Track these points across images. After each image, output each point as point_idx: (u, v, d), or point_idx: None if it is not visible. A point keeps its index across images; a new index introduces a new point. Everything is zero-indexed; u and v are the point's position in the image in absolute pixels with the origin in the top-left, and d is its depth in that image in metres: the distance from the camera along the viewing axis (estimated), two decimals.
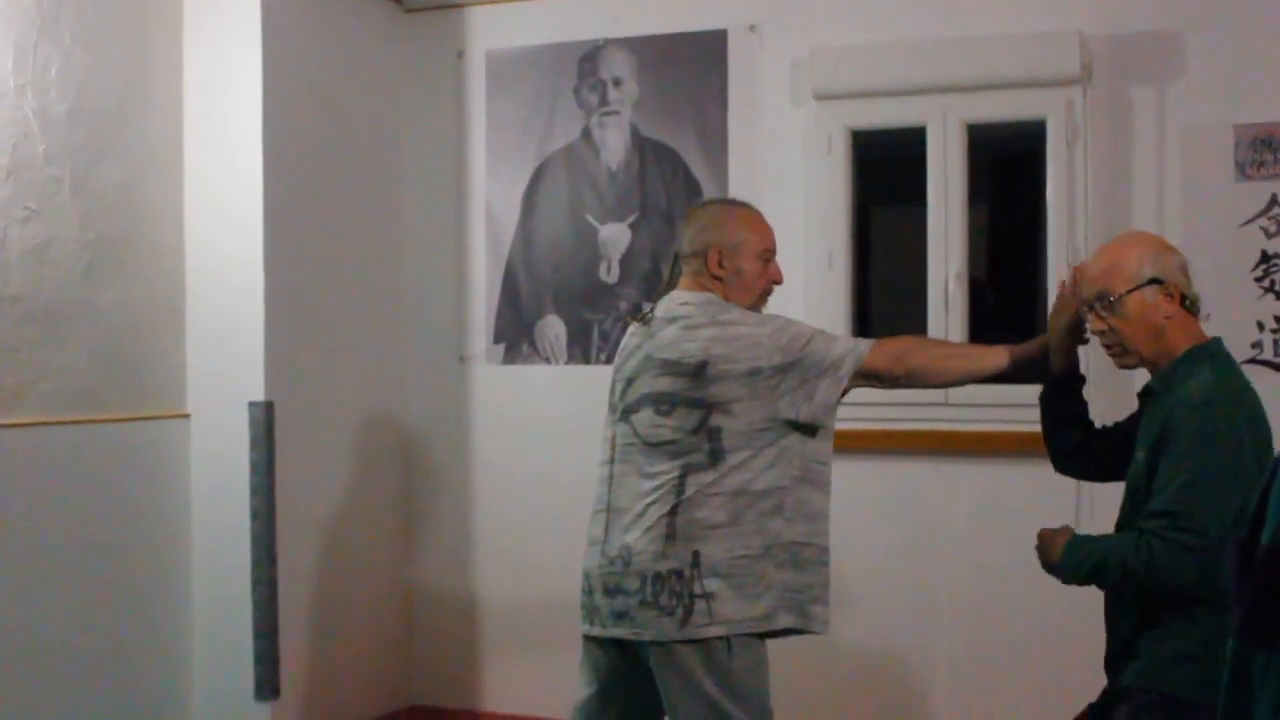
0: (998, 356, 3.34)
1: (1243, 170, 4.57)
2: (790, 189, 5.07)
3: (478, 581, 5.57)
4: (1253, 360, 4.52)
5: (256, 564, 4.78)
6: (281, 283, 4.88)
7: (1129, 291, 2.87)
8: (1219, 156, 4.59)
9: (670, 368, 3.20)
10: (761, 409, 3.16)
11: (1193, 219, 4.62)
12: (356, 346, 5.33)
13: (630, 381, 3.30)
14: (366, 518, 5.40)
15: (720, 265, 3.31)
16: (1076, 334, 3.19)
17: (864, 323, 5.15)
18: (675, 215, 5.22)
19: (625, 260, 5.29)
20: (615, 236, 5.31)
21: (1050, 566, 2.94)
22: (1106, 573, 2.82)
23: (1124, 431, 3.14)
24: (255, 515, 4.77)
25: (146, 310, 4.74)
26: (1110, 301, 2.89)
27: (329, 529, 5.18)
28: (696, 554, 3.14)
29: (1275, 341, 4.52)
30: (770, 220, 5.04)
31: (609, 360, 5.23)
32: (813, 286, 5.00)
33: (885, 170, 5.26)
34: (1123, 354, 2.94)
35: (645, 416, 3.23)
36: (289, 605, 4.87)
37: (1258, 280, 4.54)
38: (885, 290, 5.38)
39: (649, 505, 3.20)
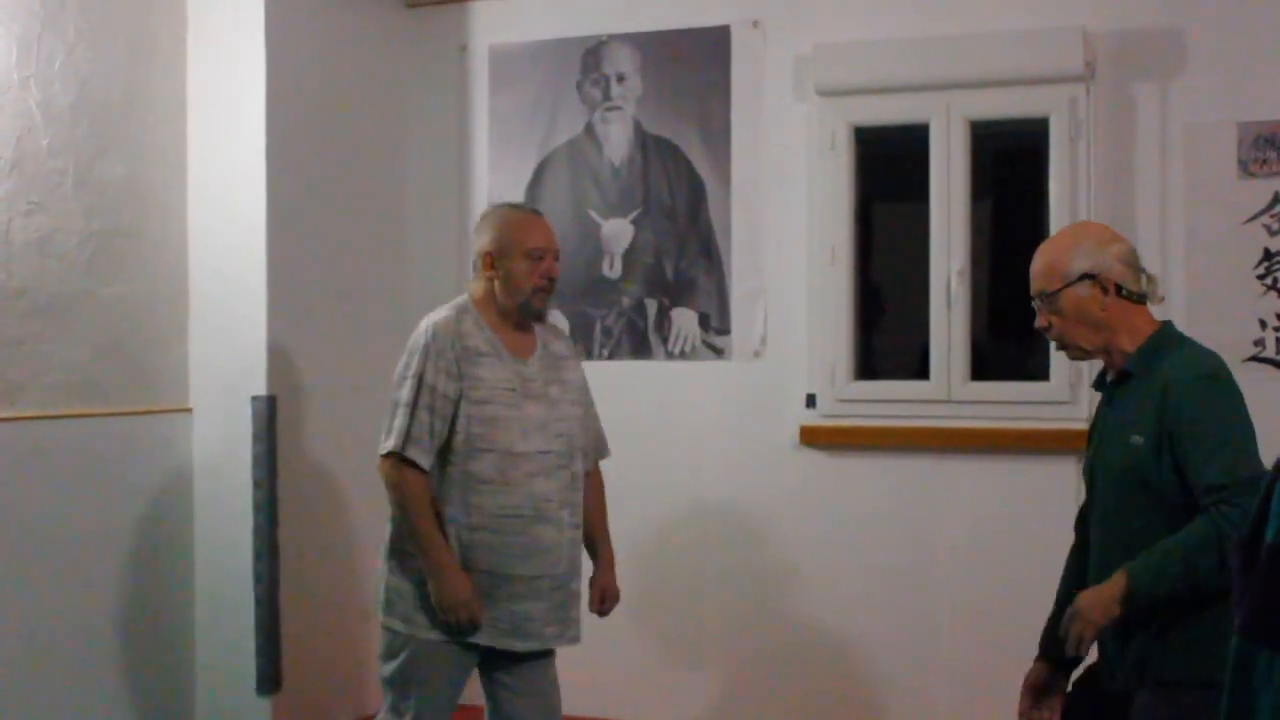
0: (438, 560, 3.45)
1: (1245, 168, 4.57)
2: (793, 185, 5.07)
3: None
4: (1254, 358, 4.53)
5: (258, 558, 4.78)
6: (284, 277, 4.88)
7: (1062, 289, 2.94)
8: (1222, 154, 4.58)
9: None
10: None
11: (1195, 216, 4.62)
12: (359, 341, 5.33)
13: None
14: (368, 512, 5.39)
15: (492, 267, 3.54)
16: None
17: (867, 318, 5.15)
18: (678, 211, 5.22)
19: (628, 256, 5.29)
20: (618, 232, 5.31)
21: (1110, 613, 2.83)
22: (1201, 567, 2.73)
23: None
24: (257, 509, 4.78)
25: (149, 304, 4.74)
26: (1048, 298, 2.96)
27: (330, 523, 5.18)
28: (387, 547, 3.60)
29: (1277, 339, 4.52)
30: (772, 216, 5.11)
31: (611, 356, 5.25)
32: (815, 282, 5.00)
33: (888, 166, 5.26)
34: (1066, 347, 3.02)
35: None
36: (291, 599, 4.87)
37: (1260, 278, 4.54)
38: (888, 286, 5.38)
39: None
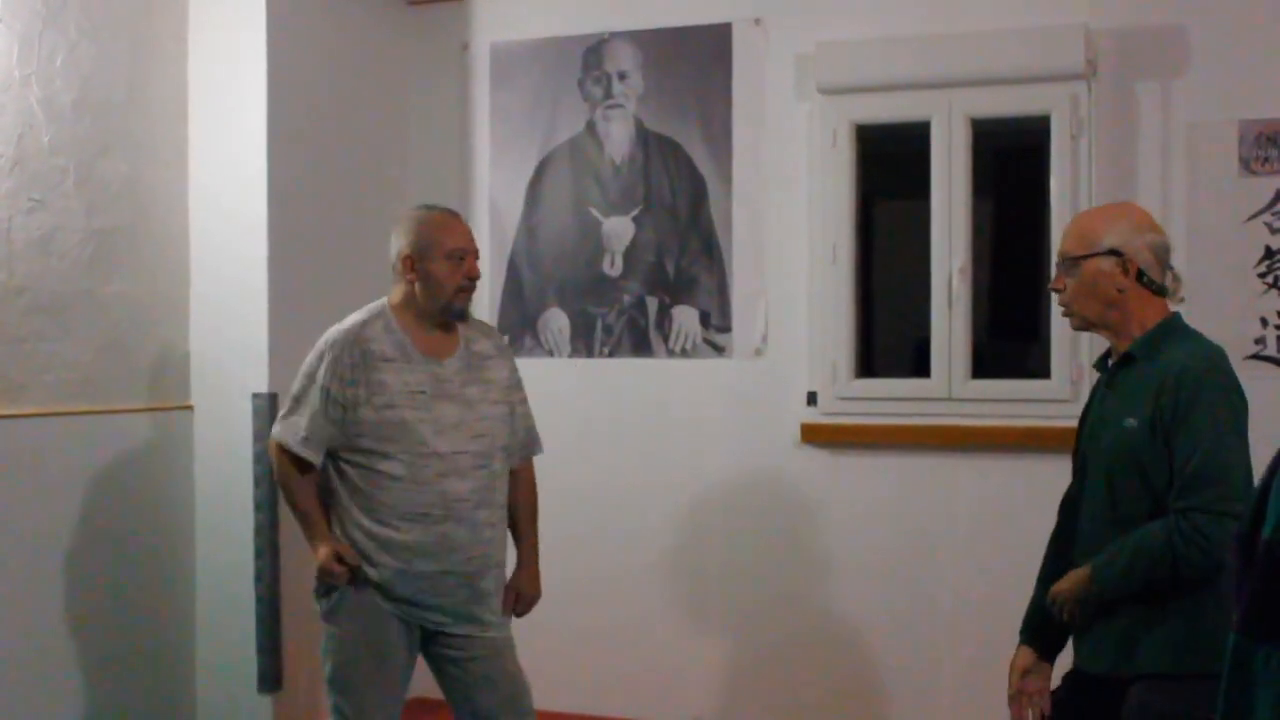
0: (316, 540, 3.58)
1: (1247, 166, 4.57)
2: (794, 183, 5.07)
3: None
4: (1255, 356, 4.52)
5: (259, 556, 4.78)
6: (285, 274, 4.88)
7: (1085, 257, 2.94)
8: (1223, 152, 4.58)
9: None
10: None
11: (1197, 214, 4.62)
12: None
13: None
14: None
15: (411, 269, 3.54)
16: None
17: (868, 316, 5.15)
18: (679, 209, 5.22)
19: (629, 254, 5.29)
20: (619, 230, 5.31)
21: (1084, 598, 2.91)
22: (1156, 574, 2.80)
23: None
24: (258, 507, 4.78)
25: (150, 302, 4.74)
26: (1069, 263, 2.97)
27: None
28: None
29: (1278, 337, 4.52)
30: (774, 214, 5.10)
31: (612, 354, 5.25)
32: (816, 280, 5.00)
33: (889, 164, 5.26)
34: (1070, 314, 3.02)
35: None
36: (292, 597, 4.87)
37: (1261, 276, 4.54)
38: (889, 284, 5.38)
39: None
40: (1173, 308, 3.03)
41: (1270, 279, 4.53)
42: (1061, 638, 3.15)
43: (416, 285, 3.55)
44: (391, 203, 5.54)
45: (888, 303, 5.37)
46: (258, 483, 4.77)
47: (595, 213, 5.35)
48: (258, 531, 4.78)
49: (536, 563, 3.80)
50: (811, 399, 5.00)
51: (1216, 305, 4.58)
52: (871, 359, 5.20)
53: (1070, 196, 4.67)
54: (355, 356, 3.51)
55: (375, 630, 3.55)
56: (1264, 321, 4.53)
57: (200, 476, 4.87)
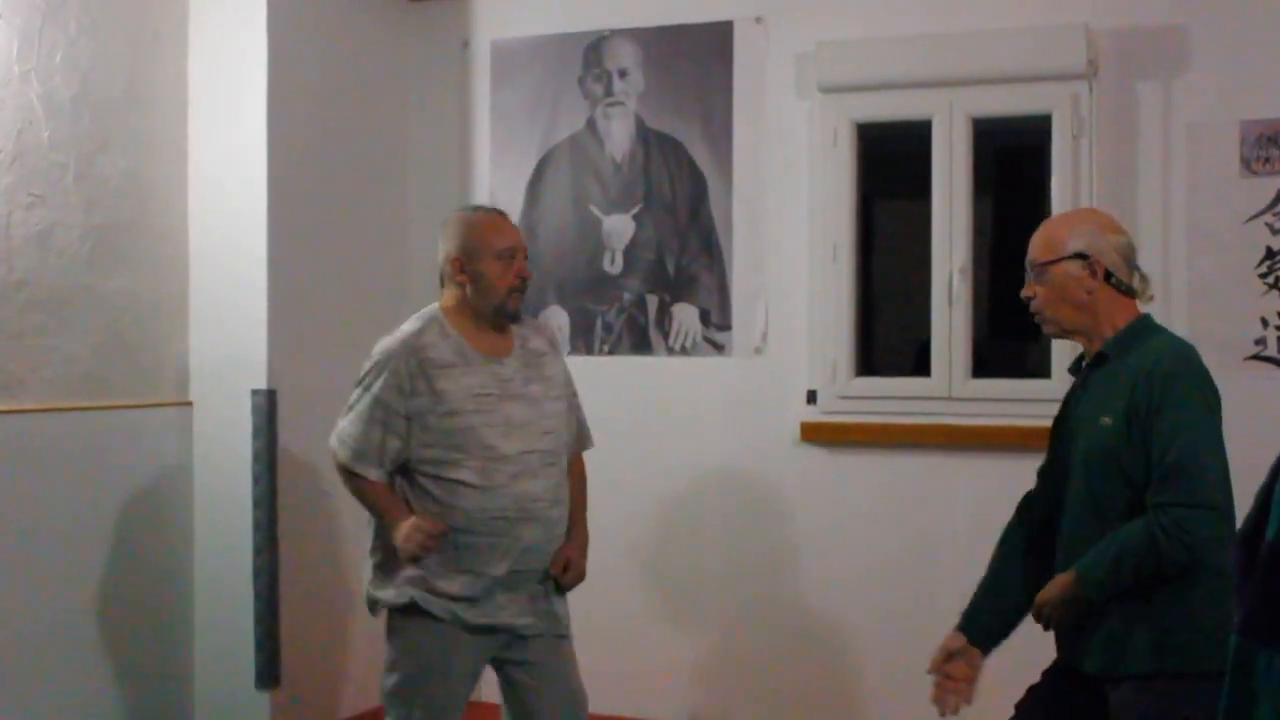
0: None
1: (1248, 166, 4.56)
2: (795, 182, 5.06)
3: None
4: (1256, 357, 4.52)
5: (258, 552, 4.78)
6: (285, 271, 4.88)
7: (1052, 262, 2.97)
8: (1225, 152, 4.58)
9: None
10: None
11: (1198, 214, 4.62)
12: (360, 335, 5.28)
13: None
14: None
15: (462, 271, 3.49)
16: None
17: (868, 314, 5.15)
18: (679, 207, 5.21)
19: (629, 251, 5.28)
20: (619, 228, 5.30)
21: (1070, 600, 2.92)
22: (1141, 571, 2.82)
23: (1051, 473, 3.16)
24: (257, 503, 4.78)
25: (150, 298, 4.74)
26: (1038, 269, 3.00)
27: (330, 517, 5.17)
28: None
29: (1279, 338, 4.51)
30: (774, 213, 5.10)
31: (612, 351, 5.24)
32: (817, 279, 5.00)
33: (890, 163, 5.26)
34: (1044, 321, 3.04)
35: None
36: (290, 594, 4.87)
37: (1262, 276, 4.53)
38: (889, 283, 5.38)
39: None
40: (1142, 308, 3.06)
41: (1271, 279, 4.53)
42: (1002, 632, 3.19)
43: (468, 287, 3.49)
44: (392, 199, 5.54)
45: (888, 302, 5.36)
46: (256, 479, 4.77)
47: (595, 210, 5.34)
48: (256, 528, 4.77)
49: (586, 544, 3.72)
50: (811, 398, 4.99)
51: (1217, 305, 4.58)
52: (872, 358, 5.20)
53: (1071, 196, 4.66)
54: (412, 366, 3.46)
55: (442, 647, 3.49)
56: (1265, 322, 4.53)
57: (199, 473, 4.87)
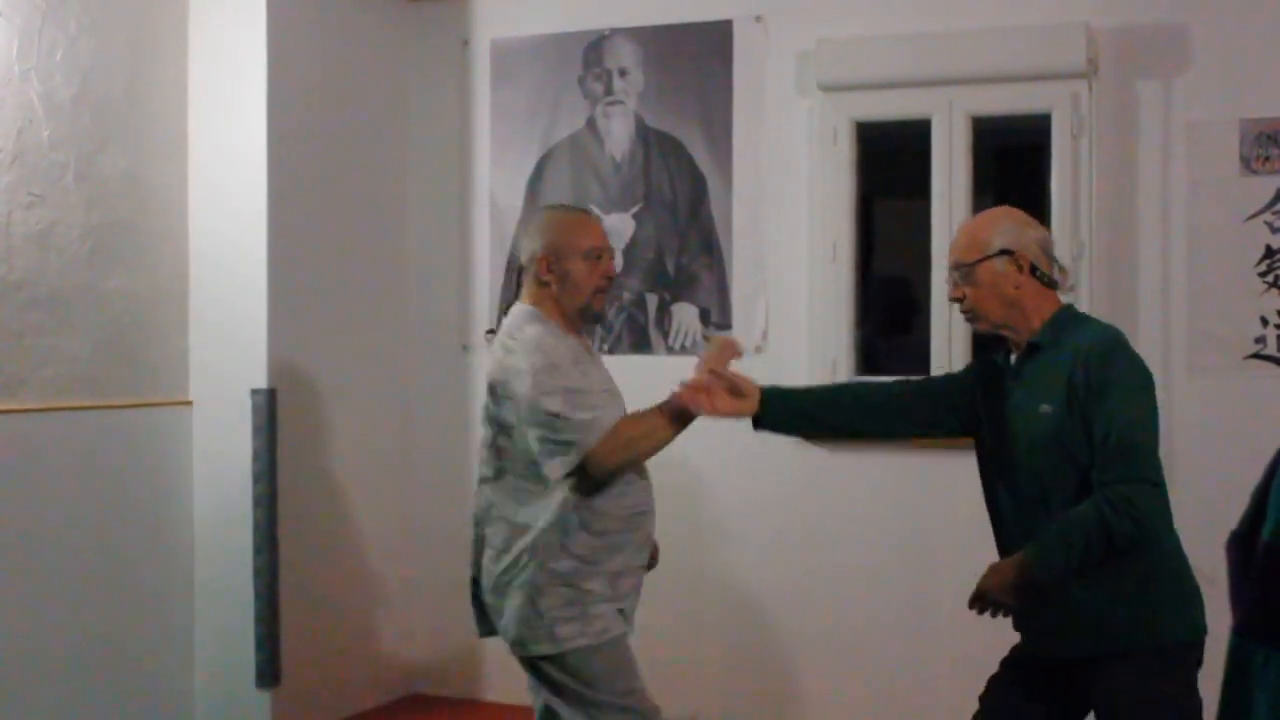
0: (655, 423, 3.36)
1: (1248, 165, 4.56)
2: (795, 180, 5.06)
3: None
4: (1255, 355, 4.52)
5: (258, 551, 4.78)
6: (284, 271, 4.88)
7: (979, 261, 3.05)
8: (1224, 151, 4.58)
9: (488, 385, 3.32)
10: (526, 439, 3.23)
11: (1197, 213, 4.62)
12: (359, 334, 5.33)
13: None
14: (368, 505, 5.40)
15: (549, 270, 3.36)
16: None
17: (868, 313, 5.15)
18: (679, 206, 5.22)
19: (629, 250, 5.29)
20: (619, 226, 5.30)
21: (1020, 585, 2.95)
22: (1092, 549, 2.87)
23: (950, 383, 3.29)
24: (257, 502, 4.78)
25: (150, 297, 4.74)
26: (965, 269, 3.07)
27: (330, 517, 5.18)
28: (526, 581, 3.26)
29: (1278, 337, 4.51)
30: (774, 211, 5.10)
31: (611, 350, 5.24)
32: (817, 278, 5.00)
33: (890, 162, 5.26)
34: (976, 319, 3.10)
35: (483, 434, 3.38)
36: (290, 593, 4.88)
37: (1261, 275, 4.53)
38: (889, 282, 5.38)
39: (487, 526, 3.35)
40: (1064, 299, 3.13)
41: (1270, 278, 4.53)
42: (785, 418, 3.34)
43: (555, 286, 3.36)
44: (391, 199, 5.54)
45: (888, 300, 5.36)
46: (256, 478, 4.77)
47: (595, 209, 5.34)
48: (256, 527, 4.78)
49: None
50: None
51: (1216, 304, 4.58)
52: (871, 356, 5.19)
53: (1071, 195, 4.66)
54: (570, 356, 3.34)
55: (621, 635, 3.40)
56: (1264, 321, 4.53)
57: (199, 472, 4.87)
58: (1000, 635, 3.29)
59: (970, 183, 4.82)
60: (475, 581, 3.44)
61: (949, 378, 3.39)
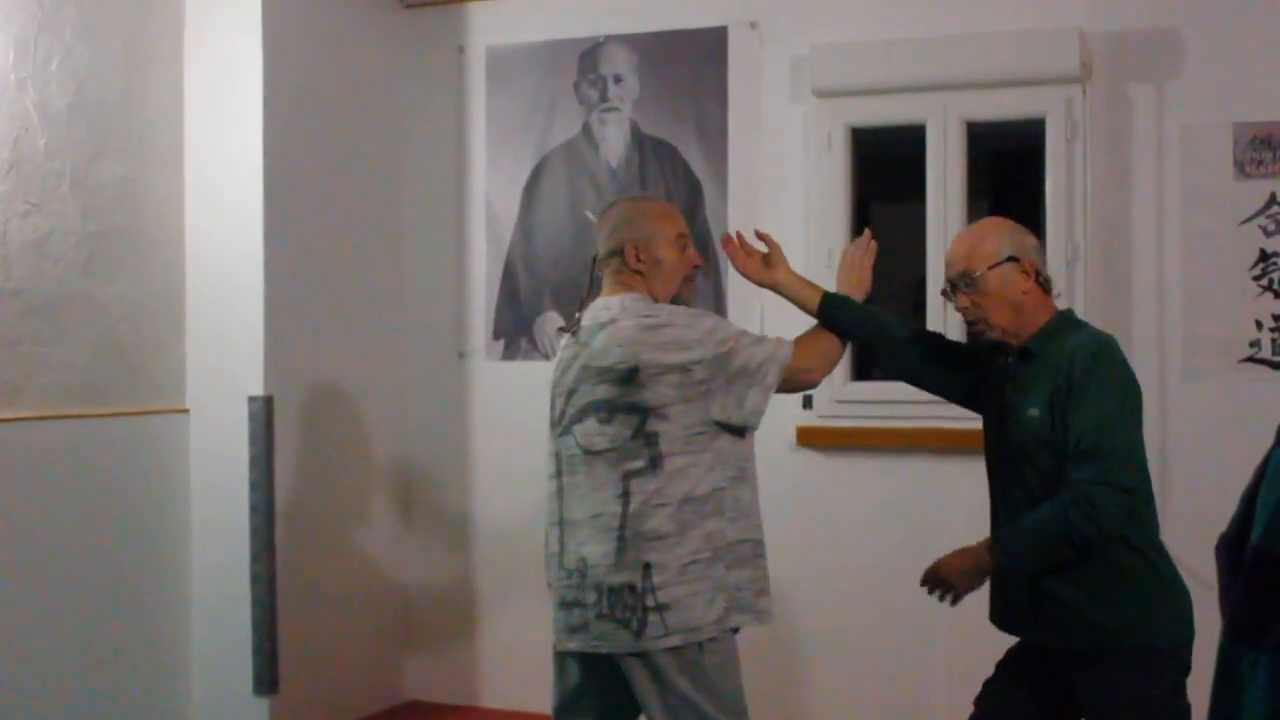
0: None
1: (1242, 169, 4.57)
2: (790, 186, 5.07)
3: (475, 577, 5.57)
4: (1250, 359, 4.53)
5: (255, 559, 4.78)
6: (281, 278, 4.88)
7: (990, 268, 3.08)
8: (1218, 155, 4.59)
9: (605, 375, 3.18)
10: (694, 412, 3.16)
11: (1192, 217, 4.63)
12: (356, 342, 5.34)
13: (571, 394, 3.27)
14: (365, 513, 5.40)
15: (638, 259, 3.31)
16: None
17: None
18: None
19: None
20: None
21: (981, 570, 3.05)
22: (1055, 545, 2.94)
23: (968, 354, 3.34)
24: (254, 510, 4.78)
25: (146, 305, 4.74)
26: (973, 278, 3.09)
27: (327, 524, 5.19)
28: (648, 565, 3.14)
29: (1274, 340, 4.52)
30: (770, 217, 5.10)
31: None
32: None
33: (885, 167, 5.27)
34: (986, 328, 3.12)
35: (589, 426, 3.22)
36: (287, 600, 4.88)
37: (1256, 279, 4.54)
38: (885, 287, 5.37)
39: (599, 515, 3.19)
40: (1060, 304, 3.19)
41: (1265, 282, 4.54)
42: (847, 318, 3.46)
43: (647, 275, 3.31)
44: (387, 206, 5.55)
45: (883, 306, 5.35)
46: (253, 485, 4.78)
47: (591, 215, 5.35)
48: (253, 534, 4.78)
49: None
50: (807, 402, 4.99)
51: (1211, 308, 4.59)
52: (867, 362, 5.19)
53: (1065, 199, 4.67)
54: None
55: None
56: (1259, 324, 4.54)
57: (196, 480, 4.87)
58: (997, 640, 3.30)
59: (965, 187, 4.82)
60: (618, 590, 3.18)
61: (969, 351, 3.36)
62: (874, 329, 3.42)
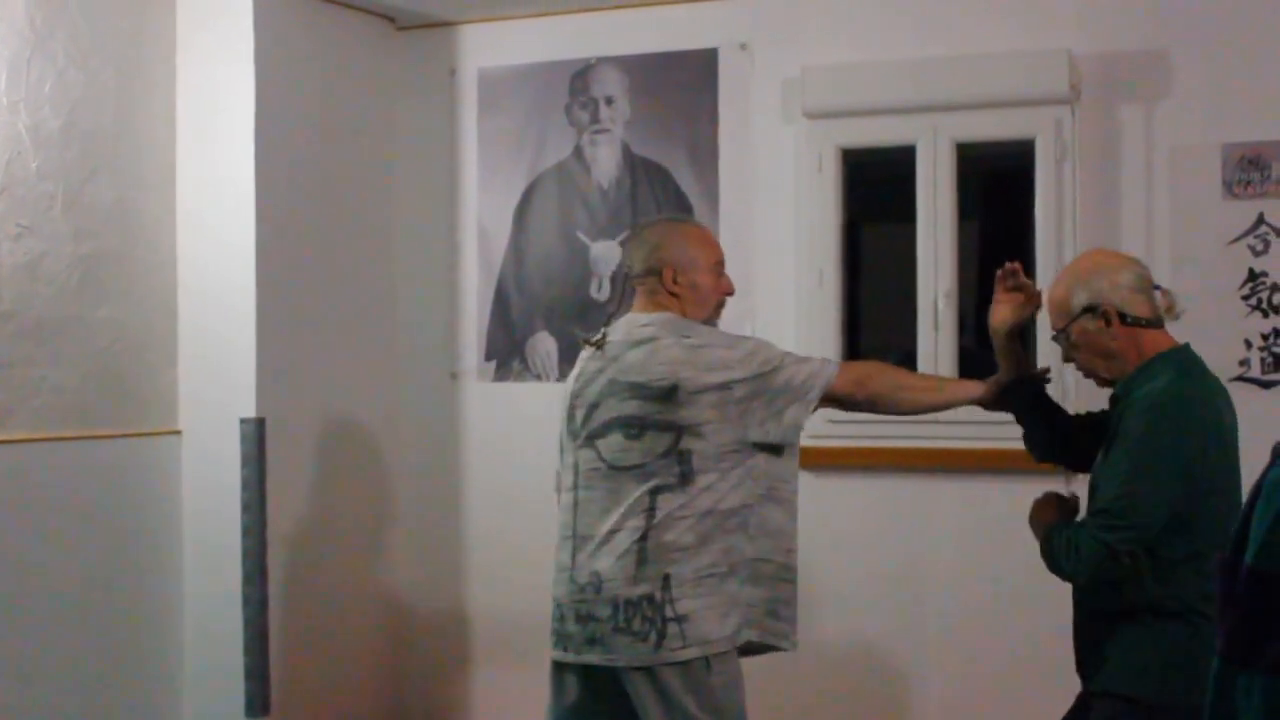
0: (963, 390, 3.49)
1: (1230, 189, 4.59)
2: (781, 207, 5.08)
3: (468, 596, 5.56)
4: (1239, 378, 4.54)
5: (247, 580, 4.78)
6: (273, 299, 4.89)
7: (1068, 325, 3.05)
8: (1207, 175, 4.61)
9: (638, 391, 3.19)
10: (730, 431, 3.19)
11: (1181, 237, 4.65)
12: (348, 363, 5.33)
13: (594, 406, 3.27)
14: (357, 534, 5.40)
15: (675, 282, 3.33)
16: (1016, 338, 3.37)
17: (854, 340, 5.16)
18: None
19: (616, 277, 5.30)
20: (606, 254, 5.32)
21: (1037, 530, 3.12)
22: (1052, 561, 3.00)
23: (1096, 421, 3.26)
24: (246, 532, 4.77)
25: (138, 327, 4.74)
26: (1060, 334, 3.09)
27: (320, 546, 5.17)
28: (667, 577, 3.16)
29: (1262, 359, 4.54)
30: (760, 238, 5.12)
31: None
32: (803, 304, 5.02)
33: (875, 188, 5.28)
34: (1093, 375, 3.12)
35: (613, 440, 3.22)
36: (280, 621, 4.87)
37: (1245, 298, 4.56)
38: (875, 308, 5.39)
39: (617, 531, 3.19)
40: (1170, 325, 3.09)
41: (1254, 301, 4.55)
42: (1027, 392, 3.40)
43: (683, 298, 3.33)
44: (379, 228, 5.55)
45: (874, 326, 5.37)
46: (246, 508, 4.77)
47: (582, 237, 5.36)
48: (245, 556, 4.77)
49: None
50: None
51: (1201, 328, 4.55)
52: None
53: (1055, 220, 4.69)
54: None
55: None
56: (1248, 343, 4.55)
57: (188, 502, 4.86)
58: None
59: (955, 208, 4.84)
60: (650, 600, 3.19)
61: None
62: (1048, 410, 3.41)
